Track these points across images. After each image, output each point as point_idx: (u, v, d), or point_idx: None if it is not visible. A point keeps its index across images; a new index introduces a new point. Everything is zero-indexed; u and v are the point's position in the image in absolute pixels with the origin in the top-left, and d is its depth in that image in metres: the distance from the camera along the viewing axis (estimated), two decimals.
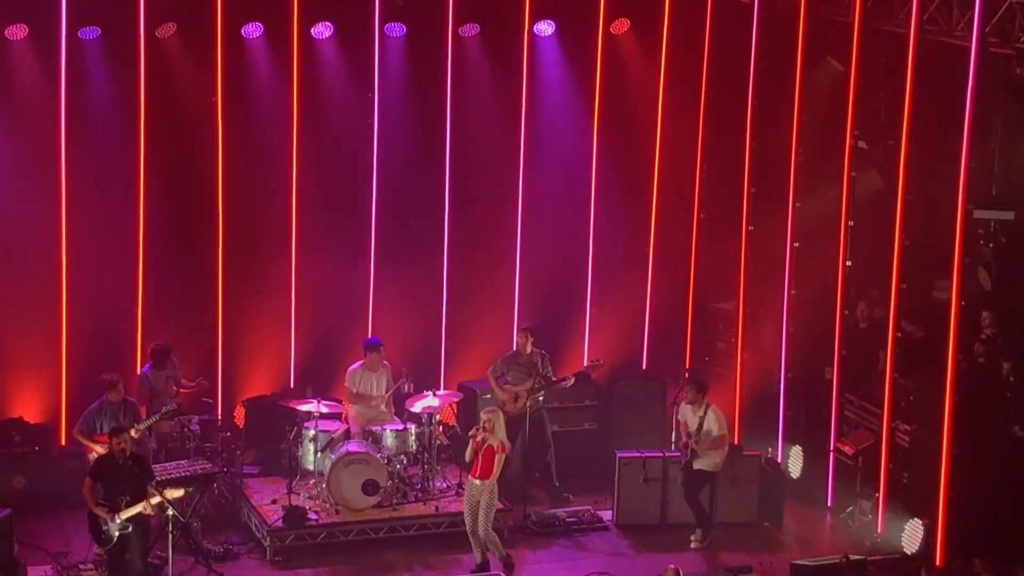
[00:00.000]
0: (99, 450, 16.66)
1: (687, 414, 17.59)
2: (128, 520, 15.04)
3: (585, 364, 19.49)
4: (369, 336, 19.31)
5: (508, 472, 18.53)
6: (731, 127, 20.04)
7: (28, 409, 18.64)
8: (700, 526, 17.48)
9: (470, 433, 16.39)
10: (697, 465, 17.43)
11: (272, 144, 19.49)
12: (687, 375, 18.80)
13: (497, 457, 16.05)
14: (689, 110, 20.56)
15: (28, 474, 18.03)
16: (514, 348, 19.37)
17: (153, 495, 15.25)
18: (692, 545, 17.24)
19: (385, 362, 18.52)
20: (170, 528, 15.17)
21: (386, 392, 18.47)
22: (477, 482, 16.13)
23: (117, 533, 15.06)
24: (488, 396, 19.11)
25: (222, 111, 19.13)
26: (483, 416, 16.29)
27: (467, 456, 16.32)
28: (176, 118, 19.03)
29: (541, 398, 18.69)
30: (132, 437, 16.13)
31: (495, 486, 16.17)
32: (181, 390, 18.32)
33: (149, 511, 15.14)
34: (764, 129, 19.72)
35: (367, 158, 19.82)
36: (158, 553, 16.20)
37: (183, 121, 19.10)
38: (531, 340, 18.75)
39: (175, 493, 15.68)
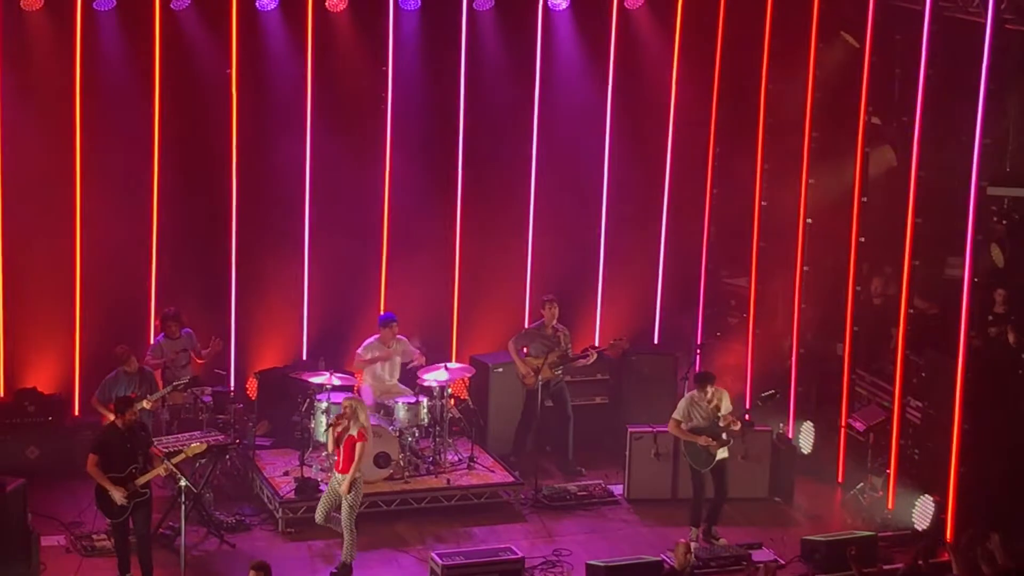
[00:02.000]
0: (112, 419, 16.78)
1: (704, 409, 17.12)
2: (143, 487, 15.10)
3: (608, 342, 19.47)
4: (383, 311, 19.33)
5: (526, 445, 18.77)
6: (745, 103, 20.01)
7: (42, 379, 18.69)
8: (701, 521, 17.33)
9: (329, 422, 15.99)
10: (721, 455, 17.08)
11: (286, 116, 19.48)
12: (692, 372, 18.50)
13: (358, 446, 15.56)
14: (703, 85, 20.52)
15: (42, 444, 18.08)
16: (527, 324, 19.43)
17: (162, 462, 15.30)
18: (694, 546, 16.09)
19: (400, 336, 18.55)
20: (182, 499, 15.23)
21: (403, 365, 18.50)
22: (339, 476, 15.67)
23: (131, 504, 15.11)
24: (500, 370, 19.14)
25: (236, 83, 19.12)
26: (343, 402, 15.87)
27: (328, 448, 15.93)
28: (190, 90, 19.03)
29: (559, 373, 18.71)
30: (145, 408, 16.24)
31: (360, 479, 15.79)
32: (199, 360, 18.38)
33: (163, 473, 15.21)
34: (778, 105, 19.70)
35: (381, 131, 19.80)
36: (170, 524, 16.29)
37: (197, 93, 19.10)
38: (557, 311, 18.73)
39: (198, 448, 15.79)
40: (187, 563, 15.26)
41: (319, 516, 15.89)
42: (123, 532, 15.31)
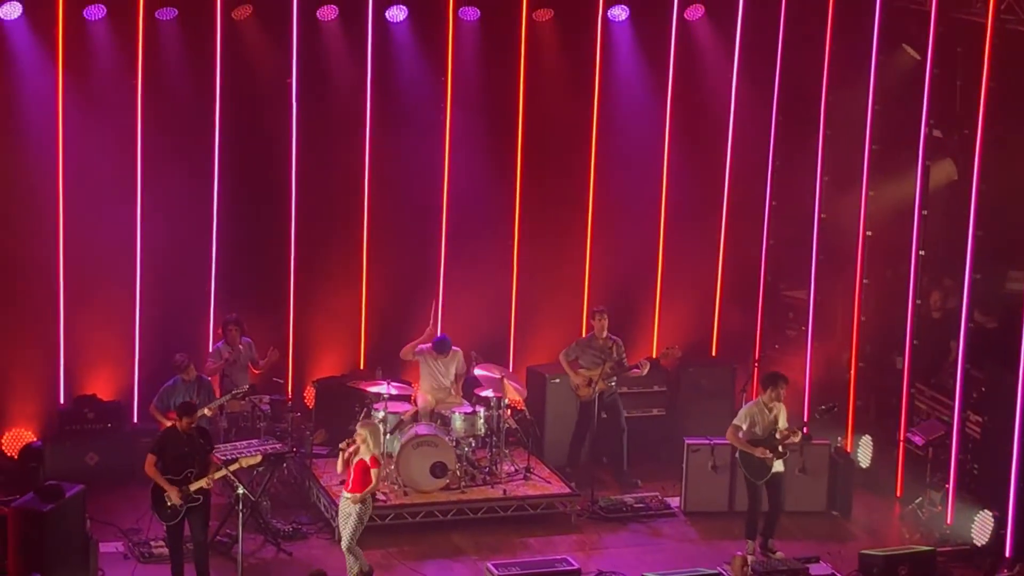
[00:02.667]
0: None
1: (765, 418, 16.93)
2: (196, 493, 15.18)
3: (660, 351, 19.43)
4: (439, 333, 19.30)
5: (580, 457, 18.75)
6: (805, 114, 19.94)
7: (101, 387, 18.80)
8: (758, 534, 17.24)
9: (340, 446, 15.79)
10: (777, 468, 16.95)
11: (345, 126, 19.55)
12: (758, 373, 18.37)
13: (372, 472, 15.39)
14: (763, 97, 20.45)
15: (101, 451, 18.19)
16: (583, 334, 19.41)
17: (219, 469, 15.41)
18: (751, 559, 15.97)
19: (455, 348, 18.57)
20: (240, 506, 15.27)
21: (454, 378, 18.53)
22: (347, 495, 15.52)
23: (184, 507, 15.21)
24: (557, 381, 19.13)
25: (296, 93, 19.20)
26: (357, 429, 15.65)
27: (338, 468, 15.74)
28: (251, 100, 19.13)
29: (613, 383, 18.68)
30: (205, 415, 16.33)
31: (369, 502, 15.60)
32: (255, 370, 18.46)
33: (210, 485, 15.29)
34: (838, 117, 19.61)
35: (439, 140, 19.84)
36: (227, 531, 16.36)
37: (258, 103, 19.19)
38: (607, 322, 18.72)
39: (252, 460, 15.85)
40: (244, 571, 15.29)
41: (339, 535, 15.72)
42: (178, 538, 15.39)
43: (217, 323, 18.90)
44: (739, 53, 20.52)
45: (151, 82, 18.61)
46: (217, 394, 17.77)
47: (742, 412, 17.02)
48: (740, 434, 16.84)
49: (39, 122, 18.21)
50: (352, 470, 15.40)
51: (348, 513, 15.43)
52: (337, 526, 15.86)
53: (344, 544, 15.40)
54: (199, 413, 15.79)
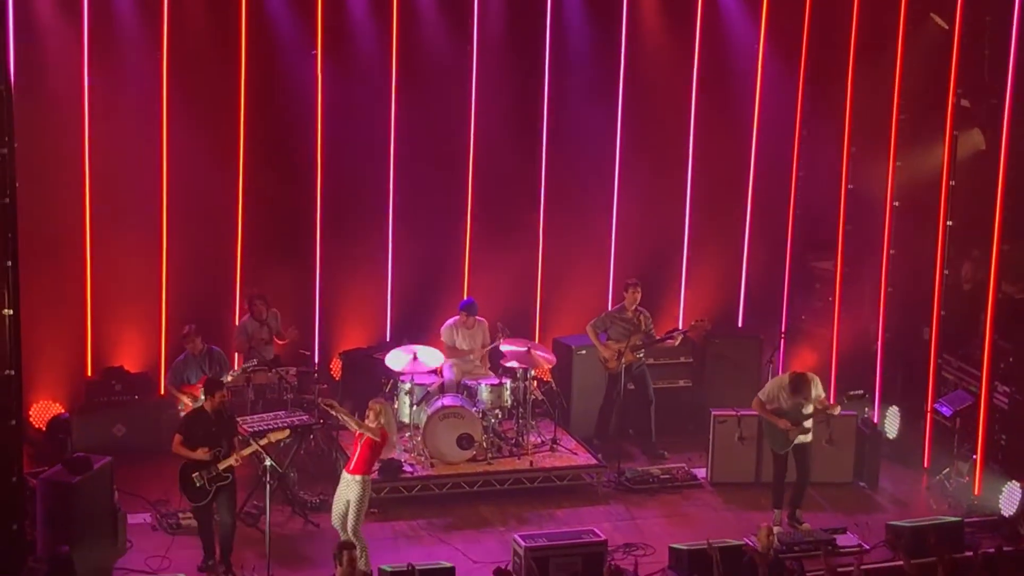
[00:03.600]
0: (187, 401, 16.92)
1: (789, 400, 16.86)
2: (225, 471, 15.22)
3: (689, 324, 19.39)
4: (466, 294, 19.36)
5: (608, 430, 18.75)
6: (832, 85, 19.86)
7: (129, 358, 18.87)
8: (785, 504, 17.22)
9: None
10: (802, 439, 16.94)
11: (371, 96, 19.54)
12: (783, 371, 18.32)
13: (370, 427, 15.05)
14: (790, 67, 20.38)
15: (128, 422, 18.24)
16: (610, 307, 19.39)
17: (247, 445, 15.46)
18: (777, 530, 15.88)
19: (480, 318, 18.58)
20: (267, 478, 15.31)
21: (482, 348, 18.55)
22: (348, 477, 15.09)
23: (213, 487, 15.26)
24: (584, 352, 19.12)
25: (322, 65, 19.19)
26: (371, 404, 15.30)
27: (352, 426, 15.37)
28: (276, 72, 19.12)
29: (641, 356, 18.66)
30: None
31: (368, 483, 15.12)
32: (279, 340, 18.49)
33: (239, 462, 15.35)
34: (865, 87, 19.53)
35: (466, 113, 19.82)
36: (255, 503, 16.41)
37: (283, 75, 19.18)
38: (639, 295, 18.68)
39: (280, 435, 15.87)
40: (271, 542, 15.32)
41: (336, 520, 15.27)
42: (207, 516, 15.45)
43: (243, 295, 18.92)
44: (766, 22, 20.45)
45: (176, 52, 18.61)
46: (234, 364, 17.89)
47: (767, 387, 17.01)
48: (765, 406, 16.84)
49: (64, 94, 18.22)
50: (358, 447, 15.16)
51: (347, 497, 15.04)
52: (333, 509, 15.31)
53: (351, 527, 15.03)
54: (224, 390, 15.77)
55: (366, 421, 15.18)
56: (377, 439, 15.04)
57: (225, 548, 15.38)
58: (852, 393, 17.72)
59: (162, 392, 18.85)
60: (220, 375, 17.06)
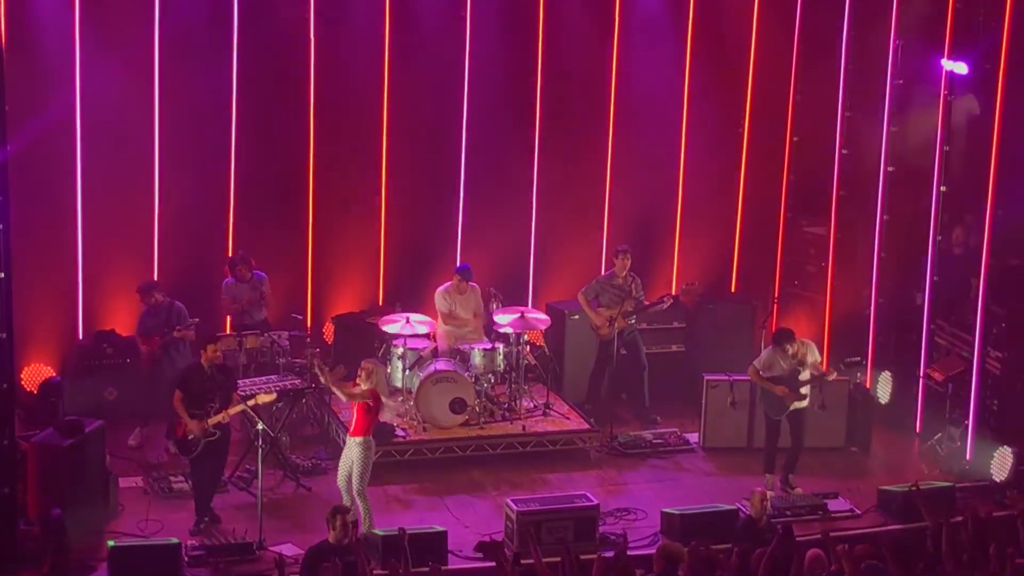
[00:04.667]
0: (143, 350, 17.31)
1: (785, 360, 16.89)
2: (214, 427, 15.25)
3: (679, 288, 19.38)
4: (459, 259, 19.36)
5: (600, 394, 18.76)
6: (827, 49, 19.81)
7: (120, 321, 18.79)
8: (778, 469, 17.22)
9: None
10: (798, 405, 16.94)
11: (364, 63, 19.45)
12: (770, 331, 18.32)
13: (359, 390, 15.09)
14: (784, 31, 20.32)
15: (120, 386, 18.19)
16: (603, 272, 19.37)
17: (237, 404, 15.49)
18: (770, 494, 15.84)
19: (473, 284, 18.55)
20: (259, 442, 15.33)
21: (474, 317, 18.50)
22: (349, 439, 15.19)
23: (202, 442, 15.30)
24: (576, 317, 19.11)
25: (314, 30, 19.11)
26: (363, 364, 15.34)
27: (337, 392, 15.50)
28: (268, 33, 19.02)
29: (633, 321, 18.65)
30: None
31: (371, 443, 15.21)
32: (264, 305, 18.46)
33: (226, 419, 15.41)
34: (859, 51, 19.49)
35: (459, 79, 19.75)
36: (247, 467, 16.41)
37: (274, 36, 19.09)
38: (629, 262, 18.67)
39: (267, 398, 15.90)
40: (263, 506, 15.32)
41: (341, 480, 15.36)
42: (201, 473, 15.53)
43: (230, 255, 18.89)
44: None
45: (168, 15, 18.51)
46: (231, 326, 17.99)
47: (763, 355, 17.01)
48: (761, 373, 16.84)
49: (55, 56, 18.12)
50: (355, 411, 15.21)
51: (350, 458, 15.16)
52: (339, 470, 15.42)
53: (355, 488, 15.14)
54: (219, 343, 15.85)
55: (357, 382, 15.17)
56: (368, 402, 15.03)
57: (205, 503, 15.50)
58: (849, 360, 17.73)
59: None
60: (177, 325, 17.18)
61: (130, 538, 15.01)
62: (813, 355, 16.88)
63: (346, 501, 15.10)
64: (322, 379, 15.52)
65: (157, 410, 16.70)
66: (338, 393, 15.34)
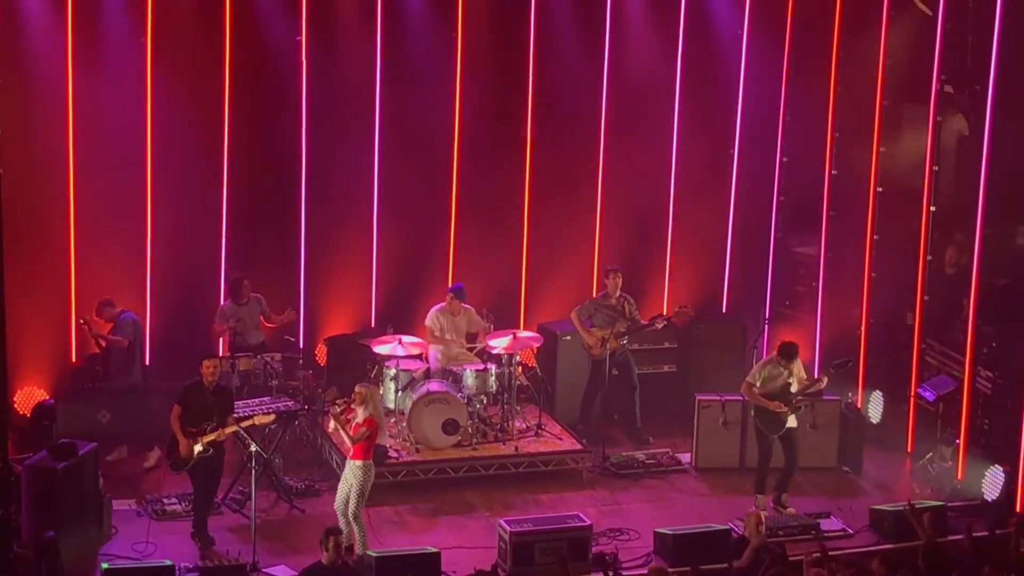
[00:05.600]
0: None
1: (779, 376, 17.00)
2: (208, 444, 15.29)
3: (673, 310, 19.42)
4: (452, 280, 19.41)
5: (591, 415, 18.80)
6: (816, 70, 19.90)
7: None
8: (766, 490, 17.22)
9: (332, 409, 15.58)
10: (791, 423, 16.99)
11: (356, 84, 19.51)
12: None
13: (360, 431, 15.15)
14: (773, 53, 20.40)
15: (113, 409, 18.17)
16: (594, 293, 19.42)
17: (232, 424, 15.54)
18: (764, 515, 15.39)
19: (466, 305, 18.58)
20: (253, 464, 15.35)
21: (466, 340, 18.52)
22: (349, 462, 15.26)
23: (194, 459, 15.38)
24: (568, 338, 19.15)
25: (306, 50, 19.15)
26: (356, 388, 15.44)
27: (329, 426, 15.79)
28: (260, 57, 19.07)
29: (625, 342, 18.69)
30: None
31: (371, 468, 15.29)
32: (268, 324, 18.49)
33: (221, 438, 15.46)
34: (849, 72, 19.58)
35: (450, 97, 19.80)
36: (240, 488, 16.44)
37: (267, 60, 19.13)
38: (620, 281, 18.72)
39: (265, 419, 15.94)
40: (257, 527, 15.34)
41: (337, 502, 15.45)
42: (200, 487, 15.59)
43: (228, 279, 18.91)
44: (750, 8, 20.44)
45: (160, 39, 18.56)
46: (226, 349, 18.07)
47: (755, 369, 17.05)
48: (755, 389, 16.88)
49: (49, 80, 18.17)
50: (350, 434, 15.26)
51: (349, 481, 15.24)
52: (338, 493, 15.50)
53: (351, 511, 15.21)
54: (217, 361, 15.92)
55: (352, 407, 15.26)
56: (368, 435, 15.17)
57: (200, 522, 15.54)
58: (837, 362, 17.76)
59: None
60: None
61: (123, 560, 15.02)
62: (799, 367, 16.94)
63: (342, 524, 15.12)
64: (332, 423, 15.59)
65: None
66: (344, 438, 15.35)
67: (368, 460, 15.23)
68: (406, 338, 17.98)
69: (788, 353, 16.94)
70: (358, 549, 15.13)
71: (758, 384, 16.88)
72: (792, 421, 16.86)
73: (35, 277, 18.14)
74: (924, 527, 14.26)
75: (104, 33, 18.40)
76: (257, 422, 15.79)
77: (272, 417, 16.26)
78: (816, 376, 17.30)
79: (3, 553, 14.27)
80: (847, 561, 13.96)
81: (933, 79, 18.05)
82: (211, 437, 15.37)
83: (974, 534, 14.09)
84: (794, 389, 16.82)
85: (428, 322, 18.53)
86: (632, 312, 18.73)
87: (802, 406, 16.95)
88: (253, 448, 15.33)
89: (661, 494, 17.56)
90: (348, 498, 15.22)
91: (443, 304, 18.51)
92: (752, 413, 17.25)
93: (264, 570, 14.95)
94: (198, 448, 15.33)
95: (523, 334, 18.57)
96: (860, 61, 19.26)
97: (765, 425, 16.90)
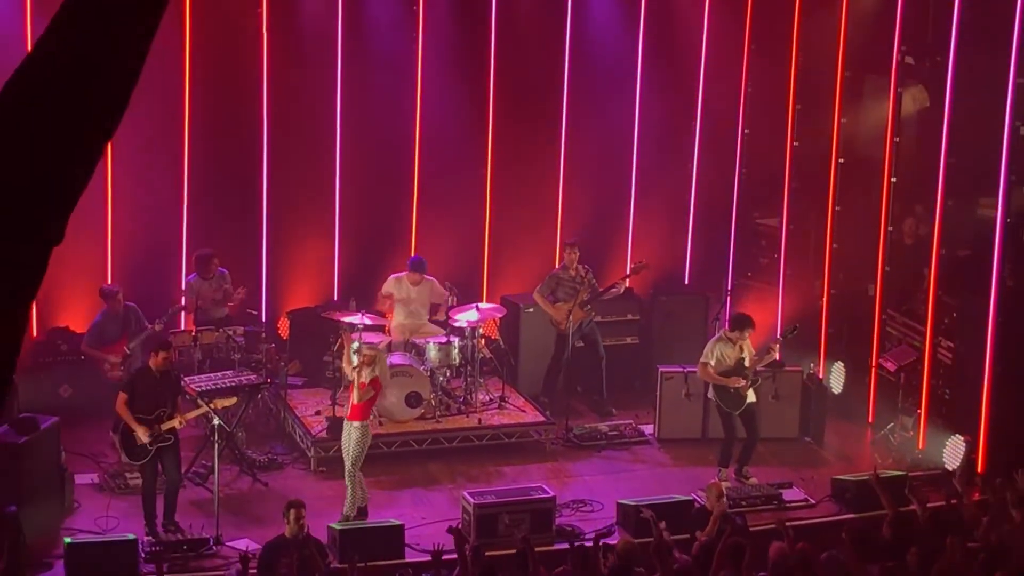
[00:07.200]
0: (112, 360, 16.93)
1: (732, 351, 16.99)
2: (168, 432, 15.20)
3: (629, 266, 19.46)
4: (414, 253, 19.38)
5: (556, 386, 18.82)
6: (777, 42, 19.91)
7: (74, 319, 18.74)
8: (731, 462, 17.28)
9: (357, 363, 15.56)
10: (751, 398, 17.05)
11: (317, 57, 19.46)
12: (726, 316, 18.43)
13: (365, 391, 15.38)
14: (735, 25, 20.40)
15: (74, 383, 18.12)
16: (556, 264, 19.43)
17: (195, 407, 15.47)
18: (726, 486, 15.86)
19: (428, 276, 18.56)
20: (215, 438, 15.32)
21: (435, 309, 18.52)
22: (347, 423, 15.50)
23: (154, 448, 15.22)
24: (531, 310, 19.15)
25: (267, 22, 19.09)
26: (365, 353, 15.55)
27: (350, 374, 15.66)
28: (220, 29, 18.98)
29: (591, 312, 18.71)
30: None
31: (367, 429, 15.52)
32: (228, 302, 18.43)
33: (182, 424, 15.36)
34: (810, 44, 19.60)
35: (412, 70, 19.76)
36: (203, 462, 16.39)
37: (227, 32, 19.04)
38: (578, 255, 18.75)
39: (227, 402, 15.89)
40: (220, 501, 15.33)
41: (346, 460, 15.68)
42: (152, 476, 15.36)
43: (189, 255, 18.84)
44: None
45: None
46: (192, 323, 17.91)
47: (708, 348, 17.07)
48: (710, 368, 16.91)
49: (5, 52, 18.04)
50: (353, 396, 15.41)
51: (348, 440, 15.43)
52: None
53: (346, 471, 15.41)
54: (171, 349, 15.78)
55: (360, 370, 15.30)
56: (371, 396, 15.39)
57: (170, 506, 15.34)
58: (785, 330, 17.84)
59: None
60: (140, 331, 17.10)
61: (86, 535, 15.00)
62: (748, 350, 16.97)
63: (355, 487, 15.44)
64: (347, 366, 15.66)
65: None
66: (354, 393, 15.45)
67: (366, 421, 15.41)
68: (368, 314, 17.98)
69: (741, 323, 16.99)
70: (346, 509, 15.33)
71: (712, 363, 16.91)
72: (751, 395, 16.91)
73: None
74: (889, 497, 14.34)
75: None
76: (218, 405, 15.71)
77: (234, 400, 16.26)
78: (765, 347, 17.29)
79: None
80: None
81: (894, 50, 18.08)
82: (171, 424, 15.25)
83: (930, 504, 14.15)
84: (748, 363, 16.87)
85: (386, 286, 18.50)
86: (591, 281, 18.75)
87: (759, 379, 17.01)
88: (216, 422, 15.30)
89: (624, 465, 17.61)
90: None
91: (404, 273, 18.50)
92: (711, 395, 17.23)
93: (227, 543, 14.92)
94: (157, 436, 15.16)
95: (485, 306, 18.57)
96: (821, 32, 19.26)
97: (726, 403, 16.92)
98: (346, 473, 15.43)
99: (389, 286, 18.52)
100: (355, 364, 15.38)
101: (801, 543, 12.76)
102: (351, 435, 15.41)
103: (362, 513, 15.57)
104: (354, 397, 15.42)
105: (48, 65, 4.32)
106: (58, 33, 4.36)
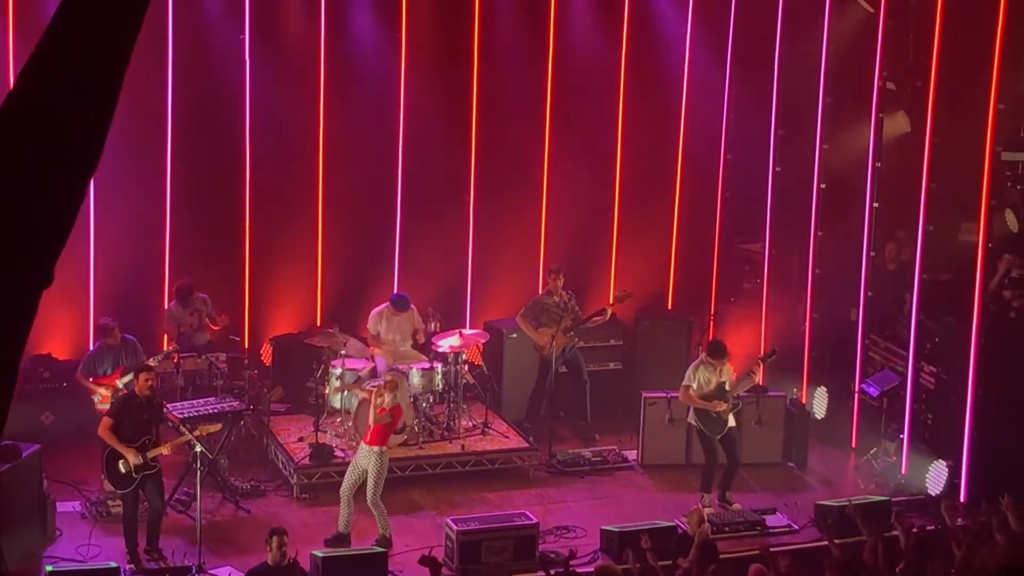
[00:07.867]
0: (103, 392, 16.85)
1: (713, 375, 16.98)
2: (153, 460, 15.16)
3: (614, 295, 19.49)
4: (397, 278, 19.37)
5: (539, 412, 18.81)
6: (759, 68, 19.97)
7: (56, 346, 18.73)
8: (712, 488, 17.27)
9: (367, 390, 15.79)
10: (731, 423, 17.07)
11: (300, 84, 19.48)
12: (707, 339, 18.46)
13: (384, 415, 15.52)
14: (717, 50, 20.48)
15: (56, 410, 18.08)
16: (540, 291, 19.42)
17: (179, 434, 15.44)
18: (708, 511, 15.98)
19: (411, 306, 18.54)
20: (198, 465, 15.28)
21: (414, 334, 18.51)
22: (365, 447, 15.54)
23: (139, 476, 15.17)
24: (515, 335, 19.16)
25: (250, 49, 19.11)
26: (387, 376, 15.78)
27: (370, 419, 15.68)
28: (204, 56, 19.01)
29: (574, 337, 18.71)
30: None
31: (386, 455, 15.61)
32: (212, 327, 18.42)
33: (169, 452, 15.34)
34: (792, 70, 19.65)
35: (395, 97, 19.79)
36: (185, 490, 16.35)
37: (211, 59, 19.08)
38: (562, 281, 18.76)
39: (212, 428, 15.86)
40: (203, 529, 15.28)
41: (346, 487, 15.64)
42: (134, 505, 15.31)
43: (172, 282, 18.82)
44: (693, 6, 20.52)
45: None
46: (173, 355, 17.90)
47: (690, 371, 17.07)
48: (692, 392, 16.91)
49: None
50: (372, 421, 15.49)
51: (364, 467, 15.42)
52: (346, 477, 15.70)
53: (370, 496, 15.40)
54: (153, 372, 15.72)
55: (382, 398, 15.42)
56: (390, 422, 15.49)
57: (153, 533, 15.29)
58: (763, 355, 17.87)
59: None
60: (135, 366, 17.07)
61: (68, 563, 14.94)
62: (728, 373, 17.00)
63: (344, 508, 15.49)
64: (371, 415, 15.65)
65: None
66: (370, 418, 15.56)
67: (384, 446, 15.46)
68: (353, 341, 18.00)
69: (717, 351, 17.01)
70: (381, 531, 15.43)
71: (694, 386, 16.92)
72: (731, 420, 16.92)
73: None
74: (868, 524, 14.32)
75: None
76: (203, 431, 15.68)
77: (219, 426, 16.24)
78: (755, 368, 17.34)
79: None
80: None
81: (875, 76, 18.14)
82: (157, 451, 15.20)
83: (914, 529, 14.15)
84: (728, 387, 16.88)
85: (370, 324, 18.51)
86: (575, 307, 18.76)
87: (740, 404, 17.02)
88: (198, 449, 15.26)
89: (607, 491, 17.59)
90: (356, 483, 15.45)
91: (385, 305, 18.49)
92: (692, 419, 17.21)
93: (210, 571, 14.88)
94: (142, 463, 15.12)
95: (469, 331, 18.57)
96: (803, 58, 19.33)
97: (707, 427, 16.92)
98: (369, 499, 15.43)
99: (373, 324, 18.47)
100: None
101: (786, 565, 12.78)
102: (369, 460, 15.43)
103: (344, 540, 15.54)
104: (370, 419, 15.51)
105: (25, 105, 4.29)
106: (34, 72, 4.34)
